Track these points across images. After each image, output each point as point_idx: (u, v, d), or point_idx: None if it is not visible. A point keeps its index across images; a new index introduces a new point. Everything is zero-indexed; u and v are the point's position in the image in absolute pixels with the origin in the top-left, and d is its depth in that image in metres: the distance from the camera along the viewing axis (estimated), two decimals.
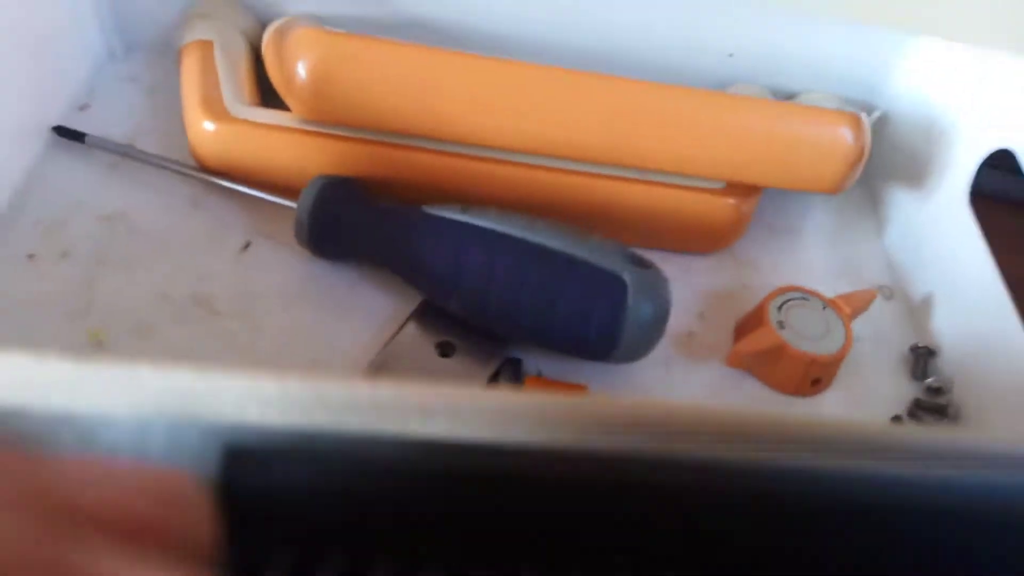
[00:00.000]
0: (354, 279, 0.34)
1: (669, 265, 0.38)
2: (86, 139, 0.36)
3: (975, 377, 0.35)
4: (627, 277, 0.30)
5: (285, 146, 0.34)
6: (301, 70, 0.32)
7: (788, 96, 0.42)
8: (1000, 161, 0.36)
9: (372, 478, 0.14)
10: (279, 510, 0.15)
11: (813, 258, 0.40)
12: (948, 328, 0.37)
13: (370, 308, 0.33)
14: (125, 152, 0.35)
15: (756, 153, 0.34)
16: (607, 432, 0.15)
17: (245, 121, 0.34)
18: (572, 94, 0.33)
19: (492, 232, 0.30)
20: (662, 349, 0.34)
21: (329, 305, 0.33)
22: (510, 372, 0.32)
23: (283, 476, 0.14)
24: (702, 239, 0.37)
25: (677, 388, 0.33)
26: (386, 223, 0.32)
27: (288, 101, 0.33)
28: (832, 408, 0.34)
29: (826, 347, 0.33)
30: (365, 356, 0.31)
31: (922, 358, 0.36)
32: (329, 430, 0.14)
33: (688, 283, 0.37)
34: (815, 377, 0.33)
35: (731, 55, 0.42)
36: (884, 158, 0.43)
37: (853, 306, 0.35)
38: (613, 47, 0.41)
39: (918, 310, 0.38)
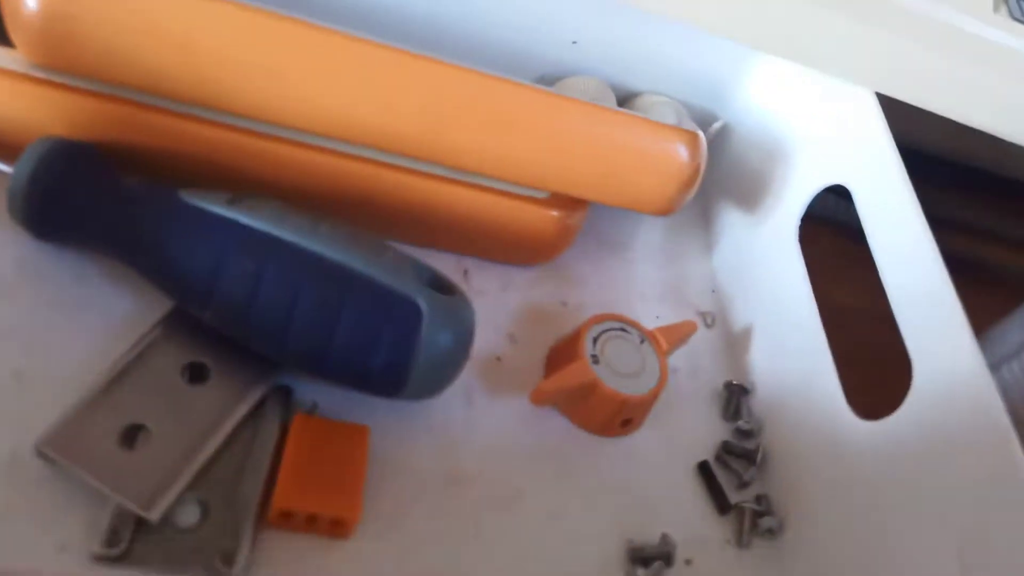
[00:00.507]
0: (85, 271, 0.27)
1: (486, 276, 0.34)
2: None
3: (785, 418, 0.33)
4: (423, 302, 0.25)
5: (7, 96, 0.26)
6: None
7: (629, 95, 0.39)
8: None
9: None
10: None
11: (640, 276, 0.37)
12: (764, 363, 0.35)
13: (104, 310, 0.26)
14: None
15: (582, 165, 0.30)
16: None
17: None
18: (383, 72, 0.27)
19: (261, 233, 0.25)
20: (464, 378, 0.30)
21: (48, 302, 0.26)
22: (277, 405, 0.26)
23: None
24: (522, 250, 0.33)
25: (478, 426, 0.29)
26: (129, 206, 0.25)
27: (12, 36, 0.26)
28: (639, 450, 0.31)
29: (640, 386, 0.30)
30: (89, 370, 0.25)
31: (735, 396, 0.34)
32: None
33: (503, 299, 0.33)
34: (626, 418, 0.31)
35: (574, 42, 0.38)
36: (721, 173, 0.41)
37: (672, 340, 0.32)
38: (444, 21, 0.35)
39: (737, 341, 0.36)
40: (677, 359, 0.34)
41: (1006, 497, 0.24)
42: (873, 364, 0.34)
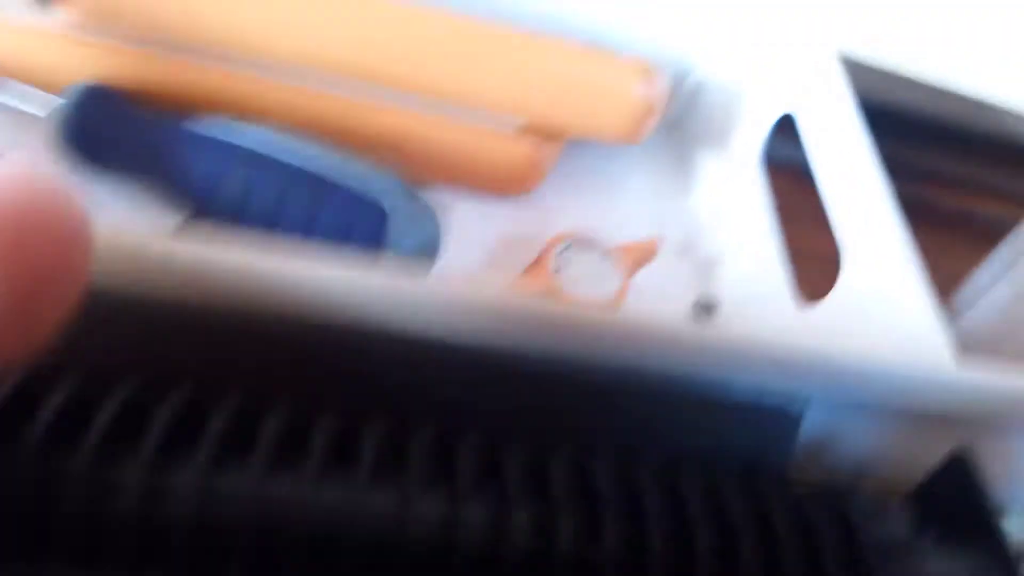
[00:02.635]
0: (120, 194, 0.32)
1: (464, 207, 0.37)
2: None
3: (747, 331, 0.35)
4: (387, 205, 0.29)
5: (43, 50, 0.31)
6: None
7: None
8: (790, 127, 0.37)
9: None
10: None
11: (618, 214, 0.40)
12: (728, 286, 0.38)
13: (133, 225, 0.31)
14: None
15: (537, 92, 0.34)
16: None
17: (16, 28, 0.31)
18: (356, 14, 0.32)
19: (249, 151, 0.29)
20: None
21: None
22: None
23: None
24: (495, 182, 0.37)
25: None
26: (147, 135, 0.30)
27: None
28: None
29: (599, 295, 0.33)
30: None
31: (701, 312, 0.37)
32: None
33: (481, 228, 0.37)
34: None
35: None
36: (696, 123, 0.44)
37: (634, 256, 0.35)
38: None
39: (706, 268, 0.39)
40: (647, 282, 0.37)
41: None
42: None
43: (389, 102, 0.34)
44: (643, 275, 0.37)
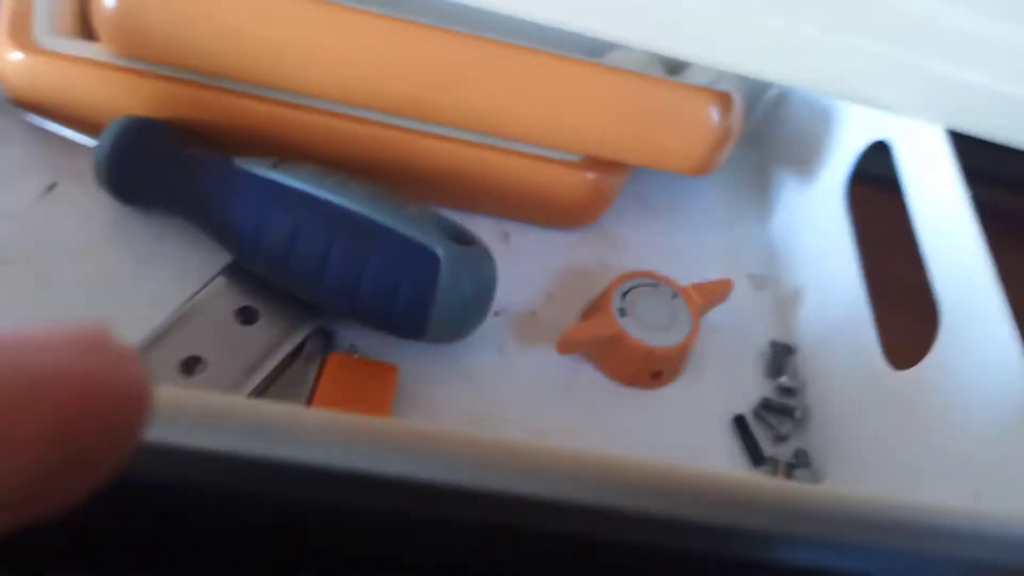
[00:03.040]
0: (162, 230, 0.31)
1: (526, 238, 0.35)
2: None
3: (828, 377, 0.33)
4: (441, 252, 0.27)
5: (93, 82, 0.31)
6: None
7: (678, 66, 0.40)
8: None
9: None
10: None
11: (686, 240, 0.38)
12: (810, 325, 0.35)
13: (175, 263, 0.30)
14: None
15: (608, 127, 0.31)
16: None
17: (51, 52, 0.31)
18: (414, 48, 0.30)
19: (299, 192, 0.28)
20: (498, 330, 0.32)
21: (131, 257, 0.30)
22: (316, 345, 0.29)
23: None
24: (558, 213, 0.35)
25: (508, 373, 0.31)
26: (190, 172, 0.29)
27: (97, 31, 0.30)
28: (671, 402, 0.32)
29: (668, 339, 0.31)
30: (162, 313, 0.29)
31: (779, 355, 0.34)
32: None
33: (541, 259, 0.35)
34: (655, 370, 0.31)
35: None
36: (778, 140, 0.41)
37: (706, 296, 0.33)
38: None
39: (785, 303, 0.36)
40: (722, 318, 0.35)
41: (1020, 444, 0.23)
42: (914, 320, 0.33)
43: (445, 134, 0.32)
44: (717, 309, 0.35)
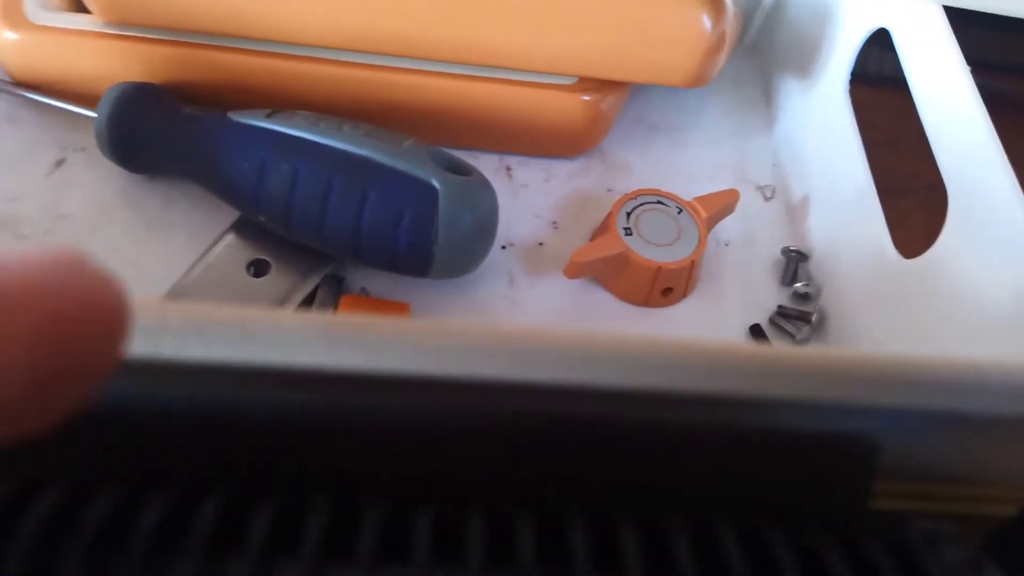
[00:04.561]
0: (170, 195, 0.32)
1: (528, 170, 0.35)
2: None
3: (843, 284, 0.32)
4: (438, 184, 0.27)
5: (86, 52, 0.31)
6: None
7: None
8: (884, 39, 0.33)
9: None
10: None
11: (691, 158, 0.37)
12: (821, 230, 0.34)
13: (186, 225, 0.31)
14: None
15: (599, 42, 0.31)
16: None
17: (44, 27, 0.31)
18: None
19: (294, 138, 0.28)
20: (506, 263, 0.32)
21: (142, 223, 0.31)
22: (328, 291, 0.30)
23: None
24: (558, 141, 0.34)
25: (520, 303, 0.31)
26: (188, 131, 0.30)
27: (86, 1, 0.31)
28: (686, 319, 0.32)
29: (676, 254, 0.31)
30: (175, 273, 0.30)
31: (793, 262, 0.34)
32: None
33: (547, 189, 0.35)
34: (665, 286, 0.31)
35: None
36: (778, 47, 0.40)
37: (712, 209, 0.32)
38: None
39: (796, 211, 0.36)
40: (731, 232, 0.35)
41: None
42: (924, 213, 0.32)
43: (436, 69, 0.32)
44: (727, 223, 0.34)
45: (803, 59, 0.37)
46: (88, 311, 0.10)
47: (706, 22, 0.31)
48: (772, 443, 0.13)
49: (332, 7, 0.30)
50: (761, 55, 0.41)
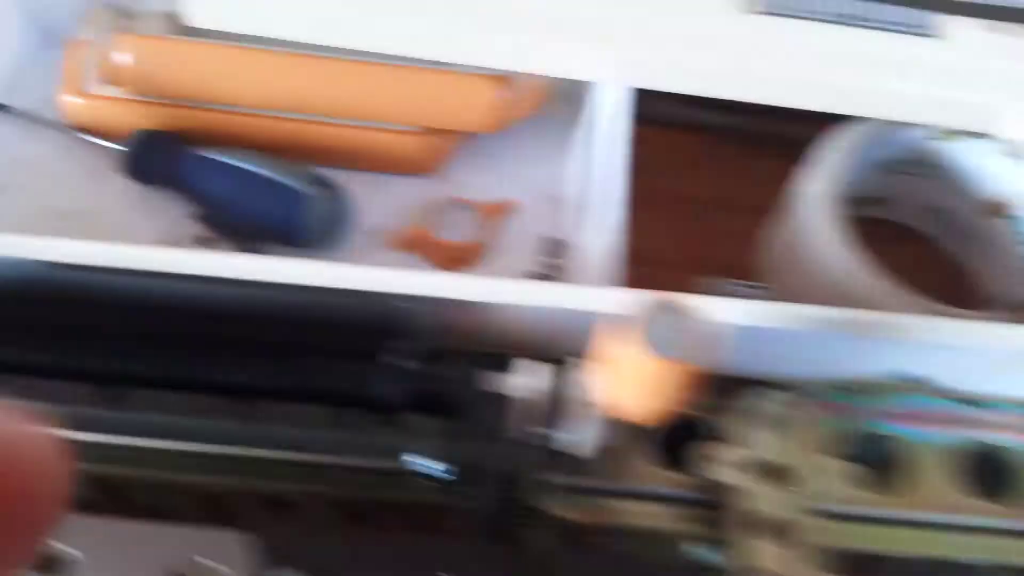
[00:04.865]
0: (170, 205, 0.52)
1: (383, 183, 0.54)
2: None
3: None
4: (300, 188, 0.47)
5: (119, 111, 0.52)
6: (118, 59, 0.50)
7: None
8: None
9: None
10: None
11: (509, 179, 0.55)
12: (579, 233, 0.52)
13: (178, 228, 0.51)
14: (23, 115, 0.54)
15: (414, 106, 0.50)
16: None
17: (94, 95, 0.52)
18: (295, 70, 0.50)
19: (226, 164, 0.48)
20: (359, 243, 0.51)
21: (152, 226, 0.51)
22: None
23: None
24: (403, 166, 0.53)
25: None
26: (180, 162, 0.50)
27: (114, 80, 0.51)
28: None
29: (462, 239, 0.49)
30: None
31: (549, 251, 0.51)
32: None
33: (395, 200, 0.53)
34: (460, 257, 0.50)
35: None
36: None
37: (496, 211, 0.50)
38: None
39: (568, 217, 0.53)
40: (520, 231, 0.52)
41: None
42: None
43: (329, 121, 0.51)
44: (517, 225, 0.52)
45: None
46: (23, 471, 0.11)
47: (493, 92, 0.49)
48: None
49: (269, 84, 0.50)
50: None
